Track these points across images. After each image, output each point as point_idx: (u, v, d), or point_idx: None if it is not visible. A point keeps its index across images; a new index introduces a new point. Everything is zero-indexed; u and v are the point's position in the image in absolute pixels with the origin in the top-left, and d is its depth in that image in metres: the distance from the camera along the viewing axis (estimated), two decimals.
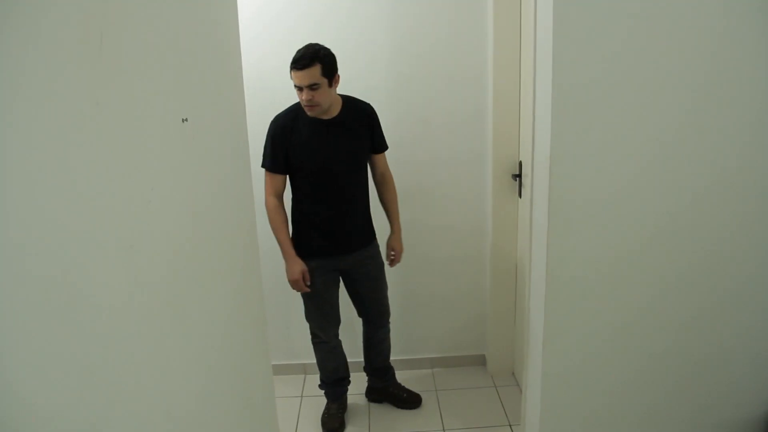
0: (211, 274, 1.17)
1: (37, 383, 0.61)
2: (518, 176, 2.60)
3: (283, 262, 2.27)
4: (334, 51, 2.13)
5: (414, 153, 2.69)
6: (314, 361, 2.56)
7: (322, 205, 2.27)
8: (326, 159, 2.22)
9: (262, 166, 2.25)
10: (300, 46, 2.10)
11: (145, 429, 0.84)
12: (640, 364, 1.77)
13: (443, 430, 2.49)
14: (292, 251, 2.26)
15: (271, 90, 2.50)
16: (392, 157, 2.43)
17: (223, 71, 1.32)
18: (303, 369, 2.93)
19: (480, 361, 2.98)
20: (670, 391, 1.80)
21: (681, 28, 1.52)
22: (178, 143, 1.00)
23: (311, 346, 2.51)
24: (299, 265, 2.25)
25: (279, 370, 2.77)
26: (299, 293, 2.36)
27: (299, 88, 2.11)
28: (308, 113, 2.16)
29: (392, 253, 2.44)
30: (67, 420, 0.66)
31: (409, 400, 2.65)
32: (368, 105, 2.33)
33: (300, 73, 2.06)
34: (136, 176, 0.83)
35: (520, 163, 2.58)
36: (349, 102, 2.28)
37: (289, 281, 2.28)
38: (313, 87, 2.08)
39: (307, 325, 2.48)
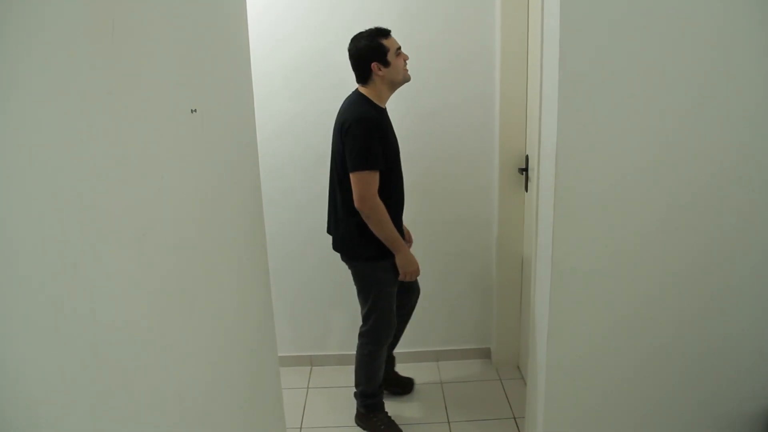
0: (218, 265, 1.18)
1: (46, 371, 0.61)
2: (525, 170, 2.60)
3: (287, 257, 2.24)
4: (341, 46, 2.18)
5: (421, 147, 2.69)
6: (321, 353, 2.54)
7: (396, 200, 2.21)
8: (399, 151, 2.21)
9: (373, 168, 2.02)
10: (307, 39, 2.08)
11: (153, 418, 0.85)
12: (644, 358, 1.77)
13: (448, 422, 2.50)
14: (403, 242, 2.17)
15: (286, 85, 2.50)
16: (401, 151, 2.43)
17: (232, 63, 1.33)
18: (309, 361, 2.94)
19: (485, 353, 2.99)
20: (673, 385, 1.80)
21: (687, 20, 1.52)
22: (187, 133, 1.01)
23: (317, 338, 2.48)
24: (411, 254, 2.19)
25: (285, 361, 2.80)
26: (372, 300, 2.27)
27: (398, 52, 2.13)
28: (408, 78, 2.16)
29: None
30: (76, 408, 0.66)
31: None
32: None
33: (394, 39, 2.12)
34: (147, 165, 0.84)
35: (527, 157, 2.58)
36: None
37: (413, 271, 2.18)
38: None
39: (315, 319, 2.45)
